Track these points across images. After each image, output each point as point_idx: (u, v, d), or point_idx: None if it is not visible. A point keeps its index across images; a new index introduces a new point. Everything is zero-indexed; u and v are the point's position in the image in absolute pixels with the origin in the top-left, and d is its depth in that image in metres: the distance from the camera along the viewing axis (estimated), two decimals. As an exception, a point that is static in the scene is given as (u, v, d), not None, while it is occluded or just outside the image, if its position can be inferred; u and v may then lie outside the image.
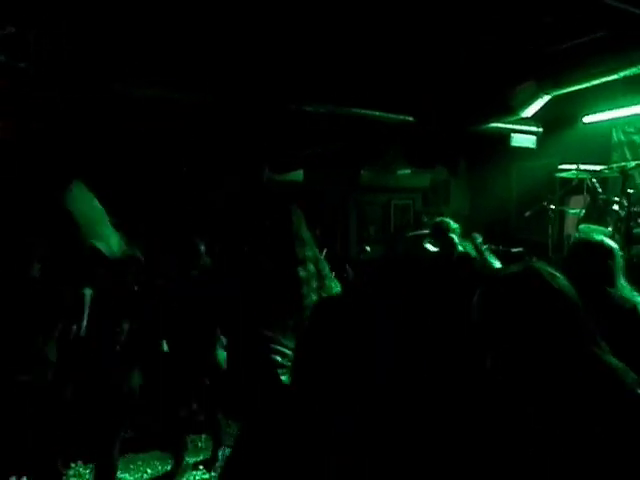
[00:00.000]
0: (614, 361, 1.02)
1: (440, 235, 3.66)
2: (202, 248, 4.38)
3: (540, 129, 6.47)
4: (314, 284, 2.56)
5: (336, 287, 2.67)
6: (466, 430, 1.06)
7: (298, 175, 6.46)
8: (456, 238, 3.60)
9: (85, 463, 3.58)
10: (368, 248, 5.99)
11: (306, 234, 2.68)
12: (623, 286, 2.28)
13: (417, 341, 2.04)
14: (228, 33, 4.24)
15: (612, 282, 2.26)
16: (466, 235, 7.66)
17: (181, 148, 5.87)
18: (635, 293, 2.25)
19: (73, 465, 3.58)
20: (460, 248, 3.52)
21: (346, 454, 0.96)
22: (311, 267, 2.61)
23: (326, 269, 2.70)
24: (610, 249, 2.33)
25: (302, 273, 2.56)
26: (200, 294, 3.25)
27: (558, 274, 1.09)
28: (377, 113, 5.78)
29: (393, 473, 0.99)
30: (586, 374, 0.97)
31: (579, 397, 0.95)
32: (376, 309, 1.14)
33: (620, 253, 2.55)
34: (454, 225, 3.75)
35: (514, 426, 0.99)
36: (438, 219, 3.88)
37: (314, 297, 2.57)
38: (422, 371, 1.72)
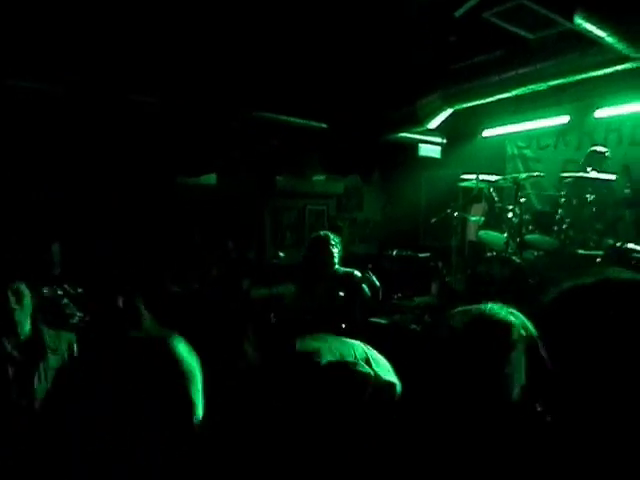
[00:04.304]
0: None
1: (318, 249, 3.49)
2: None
3: (444, 140, 6.88)
4: None
5: None
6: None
7: (211, 178, 6.29)
8: (336, 252, 3.49)
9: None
10: (282, 254, 5.97)
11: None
12: None
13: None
14: (144, 33, 4.04)
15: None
16: (380, 242, 7.88)
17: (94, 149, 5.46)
18: None
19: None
20: (337, 264, 3.46)
21: None
22: None
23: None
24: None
25: None
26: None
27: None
28: (293, 119, 5.80)
29: None
30: None
31: None
32: None
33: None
34: (335, 239, 3.55)
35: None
36: (321, 232, 3.62)
37: None
38: None
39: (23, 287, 2.24)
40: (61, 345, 2.30)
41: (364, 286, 3.37)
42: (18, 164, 5.00)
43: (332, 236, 3.53)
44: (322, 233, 3.57)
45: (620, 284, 0.90)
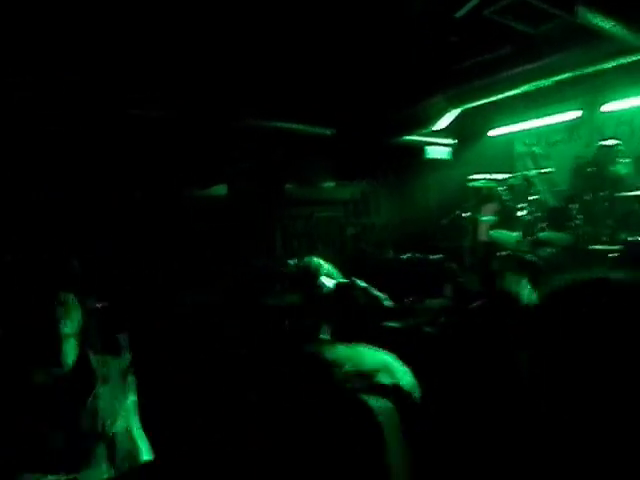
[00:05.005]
0: None
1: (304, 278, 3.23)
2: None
3: (454, 141, 6.83)
4: None
5: None
6: None
7: (220, 189, 6.32)
8: (323, 279, 3.19)
9: None
10: (292, 262, 5.94)
11: None
12: None
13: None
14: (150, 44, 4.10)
15: None
16: (396, 246, 7.83)
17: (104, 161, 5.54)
18: None
19: None
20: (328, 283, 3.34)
21: None
22: None
23: None
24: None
25: None
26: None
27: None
28: (298, 126, 5.82)
29: None
30: None
31: None
32: None
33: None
34: (324, 266, 3.26)
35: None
36: (306, 260, 3.32)
37: None
38: None
39: (72, 298, 1.66)
40: (110, 373, 1.73)
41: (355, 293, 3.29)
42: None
43: (315, 261, 3.37)
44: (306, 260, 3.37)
45: (616, 284, 0.86)
